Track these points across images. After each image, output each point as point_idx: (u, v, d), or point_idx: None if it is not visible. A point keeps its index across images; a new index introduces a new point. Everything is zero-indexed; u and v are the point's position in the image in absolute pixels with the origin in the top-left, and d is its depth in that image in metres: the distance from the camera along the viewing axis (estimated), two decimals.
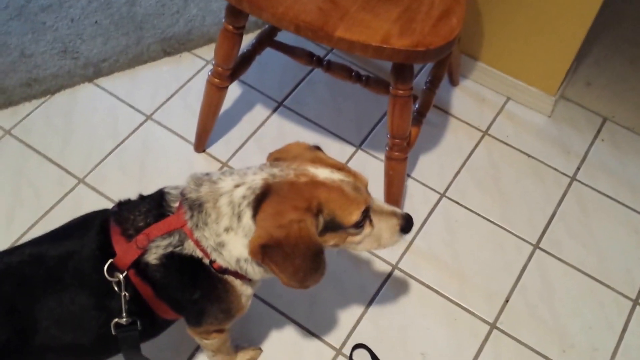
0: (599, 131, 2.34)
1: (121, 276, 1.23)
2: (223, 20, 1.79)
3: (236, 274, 1.30)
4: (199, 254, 1.26)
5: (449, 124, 2.31)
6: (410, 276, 1.97)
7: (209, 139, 2.17)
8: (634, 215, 2.15)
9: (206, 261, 1.26)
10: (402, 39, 1.56)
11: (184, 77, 2.36)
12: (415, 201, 2.13)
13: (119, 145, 2.17)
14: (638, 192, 2.20)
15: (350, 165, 2.13)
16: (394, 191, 1.97)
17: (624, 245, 2.08)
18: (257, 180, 1.23)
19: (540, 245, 2.06)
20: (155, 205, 1.30)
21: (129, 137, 2.20)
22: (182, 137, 2.21)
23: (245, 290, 1.36)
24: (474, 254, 2.03)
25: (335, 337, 1.85)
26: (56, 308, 1.24)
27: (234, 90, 2.32)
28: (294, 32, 1.62)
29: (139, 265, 1.25)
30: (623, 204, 2.17)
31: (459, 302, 1.94)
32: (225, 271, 1.28)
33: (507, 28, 2.19)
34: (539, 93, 2.31)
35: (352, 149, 2.23)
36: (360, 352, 1.83)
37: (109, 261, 1.24)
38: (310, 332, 1.86)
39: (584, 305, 1.96)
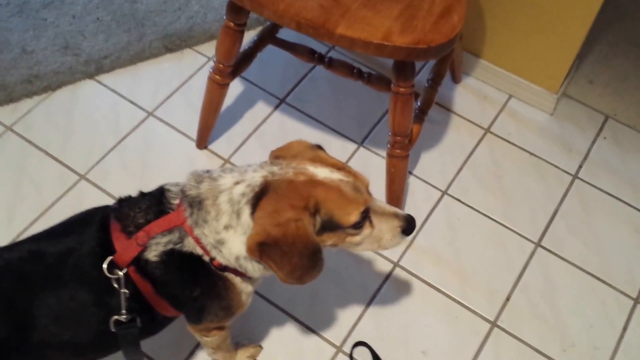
0: (601, 129, 2.33)
1: (121, 273, 1.23)
2: (224, 17, 1.79)
3: (236, 272, 1.30)
4: (199, 251, 1.25)
5: (451, 121, 2.31)
6: (412, 274, 1.97)
7: (210, 135, 2.17)
8: (636, 214, 2.14)
9: (206, 258, 1.26)
10: (403, 37, 1.55)
11: (186, 73, 2.36)
12: (416, 199, 2.12)
13: (120, 141, 2.17)
14: None
15: (352, 162, 2.14)
16: (396, 189, 1.97)
17: (625, 243, 2.08)
18: (256, 177, 1.23)
19: (542, 243, 2.06)
20: (155, 202, 1.30)
21: (131, 133, 2.19)
22: (183, 133, 2.21)
23: (245, 288, 1.36)
24: (476, 251, 2.03)
25: (335, 335, 1.85)
26: (55, 305, 1.23)
27: (236, 87, 2.32)
28: (295, 30, 1.61)
29: (139, 262, 1.25)
30: (625, 202, 2.16)
31: (460, 300, 1.94)
32: (225, 269, 1.28)
33: (509, 25, 2.18)
34: (541, 91, 2.31)
35: (353, 146, 2.22)
36: (360, 349, 1.83)
37: (109, 258, 1.23)
38: (310, 330, 1.86)
39: (585, 303, 1.95)
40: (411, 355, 1.83)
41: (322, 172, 1.23)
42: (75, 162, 2.11)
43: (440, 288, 1.95)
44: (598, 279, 2.00)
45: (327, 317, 1.88)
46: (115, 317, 1.26)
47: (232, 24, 1.79)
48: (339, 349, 1.83)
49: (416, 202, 2.11)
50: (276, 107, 2.30)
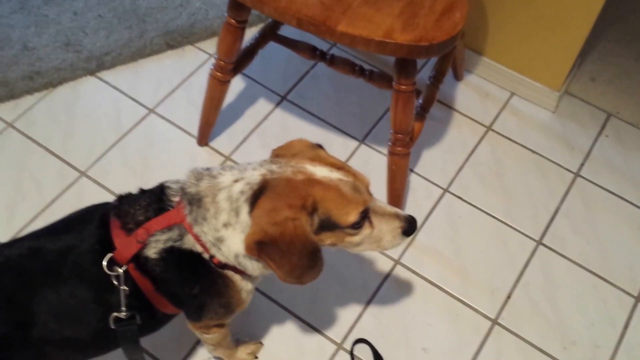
0: (603, 127, 2.33)
1: (120, 270, 1.23)
2: (226, 13, 1.78)
3: (236, 269, 1.29)
4: (198, 248, 1.25)
5: (453, 119, 2.31)
6: (413, 271, 1.97)
7: (211, 132, 2.16)
8: (638, 212, 2.14)
9: (206, 256, 1.26)
10: (404, 34, 1.55)
11: (187, 70, 2.36)
12: (418, 196, 2.12)
13: (121, 138, 2.17)
14: None
15: (353, 159, 2.14)
16: (397, 186, 1.97)
17: (627, 242, 2.07)
18: (255, 176, 1.23)
19: (543, 242, 2.05)
20: (155, 200, 1.29)
21: (132, 130, 2.19)
22: (184, 130, 2.21)
23: (245, 286, 1.35)
24: (477, 249, 2.02)
25: (336, 332, 1.85)
26: (55, 301, 1.23)
27: (237, 84, 2.32)
28: (296, 27, 1.61)
29: (139, 260, 1.25)
30: (627, 201, 2.16)
31: (461, 298, 1.93)
32: (225, 266, 1.28)
33: (511, 23, 2.18)
34: (543, 88, 2.30)
35: (355, 144, 2.22)
36: (361, 347, 1.83)
37: (109, 255, 1.23)
38: (311, 327, 1.85)
39: (586, 302, 1.95)
40: (412, 352, 1.83)
41: (320, 171, 1.23)
42: (76, 158, 2.11)
43: (441, 286, 1.95)
44: (599, 277, 2.00)
45: (328, 314, 1.88)
46: (115, 314, 1.26)
47: (233, 20, 1.79)
48: (339, 346, 1.83)
49: (417, 200, 2.11)
50: (277, 104, 2.30)
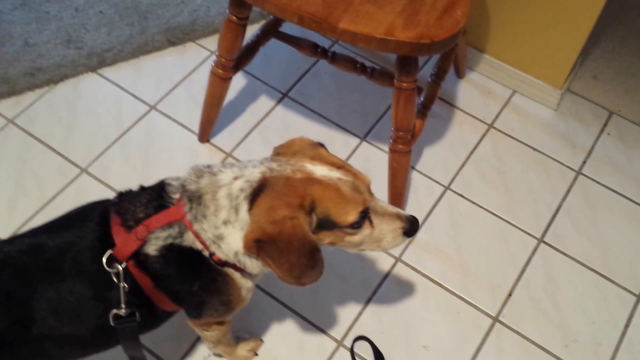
0: (605, 125, 2.32)
1: (120, 267, 1.23)
2: (227, 10, 1.78)
3: (235, 267, 1.29)
4: (198, 246, 1.25)
5: (455, 116, 2.30)
6: (414, 269, 1.97)
7: (212, 129, 2.16)
8: None
9: (206, 253, 1.26)
10: (406, 31, 1.55)
11: (188, 67, 2.35)
12: (419, 194, 2.12)
13: (122, 135, 2.17)
14: None
15: (355, 157, 2.14)
16: (398, 184, 1.96)
17: (628, 240, 2.07)
18: (255, 173, 1.23)
19: (545, 239, 2.05)
20: (155, 197, 1.29)
21: (133, 127, 2.19)
22: (186, 127, 2.20)
23: (245, 283, 1.35)
24: (478, 247, 2.02)
25: (336, 329, 1.85)
26: (54, 298, 1.23)
27: (239, 81, 2.31)
28: (297, 24, 1.61)
29: (139, 257, 1.24)
30: (629, 199, 2.15)
31: (462, 295, 1.93)
32: (225, 264, 1.28)
33: (513, 20, 2.17)
34: (545, 86, 2.30)
35: (356, 141, 2.22)
36: (361, 344, 1.83)
37: (108, 252, 1.23)
38: (311, 324, 1.85)
39: (588, 300, 1.95)
40: (412, 350, 1.83)
41: (320, 170, 1.23)
42: (77, 155, 2.11)
43: (442, 283, 1.95)
44: (601, 275, 2.00)
45: (328, 311, 1.88)
46: (115, 311, 1.26)
47: (234, 17, 1.79)
48: (340, 343, 1.83)
49: (419, 197, 2.11)
50: (279, 101, 2.29)
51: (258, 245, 1.18)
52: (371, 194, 1.30)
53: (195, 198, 1.23)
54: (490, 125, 2.29)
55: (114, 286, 1.24)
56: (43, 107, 2.21)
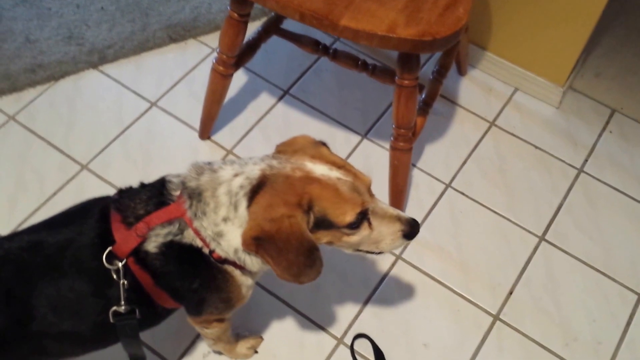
0: (607, 123, 2.32)
1: (120, 264, 1.23)
2: (228, 7, 1.77)
3: (235, 264, 1.29)
4: (198, 243, 1.25)
5: (456, 114, 2.30)
6: (414, 267, 1.96)
7: (213, 126, 2.16)
8: None
9: (206, 251, 1.26)
10: (408, 29, 1.54)
11: (190, 64, 2.35)
12: (420, 191, 2.11)
13: (123, 132, 2.17)
14: None
15: (356, 154, 2.14)
16: (399, 181, 1.96)
17: (630, 238, 2.06)
18: (255, 170, 1.23)
19: (546, 237, 2.05)
20: (156, 193, 1.29)
21: (133, 124, 2.19)
22: (187, 124, 2.20)
23: (245, 281, 1.35)
24: (479, 245, 2.02)
25: (336, 327, 1.85)
26: (54, 295, 1.23)
27: (240, 78, 2.31)
28: (298, 21, 1.60)
29: (139, 254, 1.24)
30: (630, 197, 2.15)
31: (463, 294, 1.93)
32: (225, 261, 1.28)
33: (516, 18, 2.17)
34: (547, 84, 2.29)
35: (357, 138, 2.21)
36: (361, 342, 1.82)
37: (108, 249, 1.23)
38: (311, 321, 1.85)
39: (589, 298, 1.94)
40: (412, 347, 1.83)
41: (319, 169, 1.22)
42: (78, 152, 2.11)
43: (442, 281, 1.95)
44: (602, 273, 1.99)
45: (328, 309, 1.88)
46: (114, 308, 1.25)
47: (236, 14, 1.78)
48: (339, 341, 1.83)
49: (420, 195, 2.10)
50: (280, 98, 2.29)
51: (256, 242, 1.18)
52: (371, 195, 1.29)
53: (195, 195, 1.23)
54: (492, 123, 2.28)
55: (114, 283, 1.24)
56: (44, 104, 2.21)
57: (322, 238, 1.25)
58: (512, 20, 2.18)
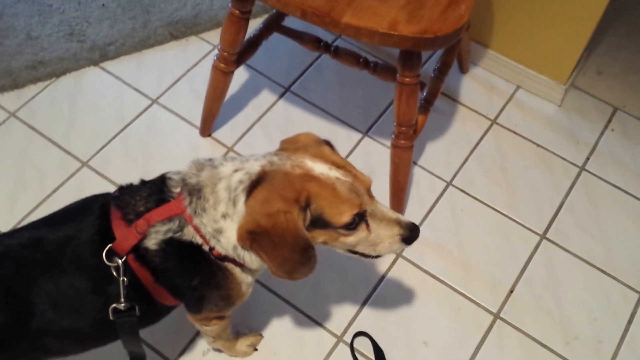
0: (609, 121, 2.31)
1: (120, 261, 1.22)
2: (230, 4, 1.77)
3: (235, 262, 1.29)
4: (198, 240, 1.25)
5: (458, 112, 2.29)
6: (415, 265, 1.96)
7: (214, 123, 2.16)
8: None
9: (206, 248, 1.25)
10: (409, 26, 1.54)
11: (191, 61, 2.35)
12: (421, 189, 2.11)
13: (123, 129, 2.17)
14: None
15: (357, 152, 2.13)
16: (400, 179, 1.96)
17: (631, 237, 2.06)
18: (255, 166, 1.22)
19: (547, 236, 2.04)
20: (156, 190, 1.29)
21: (134, 121, 2.19)
22: (187, 121, 2.20)
23: (245, 278, 1.35)
24: (480, 243, 2.01)
25: (336, 325, 1.85)
26: (54, 292, 1.23)
27: (241, 75, 2.31)
28: (300, 18, 1.60)
29: (139, 251, 1.24)
30: (632, 195, 2.14)
31: (463, 292, 1.92)
32: (225, 258, 1.27)
33: (518, 15, 2.16)
34: (549, 82, 2.28)
35: (358, 136, 2.21)
36: (361, 339, 1.82)
37: (108, 246, 1.23)
38: (311, 319, 1.85)
39: (590, 297, 1.94)
40: (412, 346, 1.83)
41: (319, 168, 1.22)
42: (78, 149, 2.11)
43: (443, 279, 1.94)
44: (603, 272, 1.99)
45: (328, 306, 1.87)
46: (114, 305, 1.25)
47: (237, 11, 1.78)
48: (339, 339, 1.82)
49: (421, 193, 2.10)
50: (281, 95, 2.28)
51: (251, 237, 1.17)
52: (371, 197, 1.28)
53: (195, 192, 1.23)
54: (494, 121, 2.28)
55: (114, 280, 1.24)
56: (45, 101, 2.21)
57: (318, 237, 1.24)
58: (514, 18, 2.18)
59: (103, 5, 2.41)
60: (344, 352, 1.80)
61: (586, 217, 2.09)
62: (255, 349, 1.78)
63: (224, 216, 1.21)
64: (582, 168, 2.19)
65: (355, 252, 1.34)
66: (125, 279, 1.24)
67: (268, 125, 2.21)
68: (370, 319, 1.86)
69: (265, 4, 1.64)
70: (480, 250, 2.00)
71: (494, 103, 2.32)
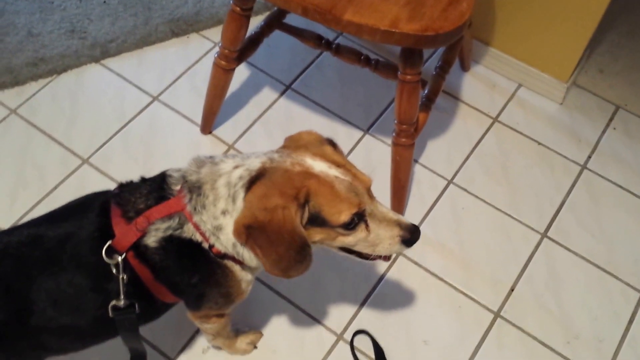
0: (610, 119, 2.31)
1: (119, 258, 1.22)
2: (231, 1, 1.77)
3: (235, 259, 1.29)
4: (198, 237, 1.25)
5: (459, 110, 2.29)
6: (415, 263, 1.96)
7: (215, 121, 2.15)
8: None
9: (205, 245, 1.25)
10: (411, 23, 1.53)
11: (192, 58, 2.35)
12: (422, 187, 2.11)
13: (124, 126, 2.16)
14: None
15: (358, 150, 2.13)
16: (401, 177, 1.95)
17: (633, 235, 2.06)
18: (256, 163, 1.22)
19: (548, 234, 2.04)
20: (156, 188, 1.29)
21: (135, 118, 2.18)
22: (188, 118, 2.20)
23: (245, 276, 1.35)
24: (480, 241, 2.01)
25: (336, 323, 1.84)
26: (53, 289, 1.23)
27: (242, 72, 2.30)
28: (301, 15, 1.60)
29: (138, 248, 1.24)
30: (634, 194, 2.14)
31: (464, 290, 1.92)
32: (225, 256, 1.27)
33: (519, 13, 2.16)
34: (551, 80, 2.28)
35: (359, 134, 2.21)
36: (361, 338, 1.82)
37: (108, 243, 1.23)
38: (311, 317, 1.85)
39: (591, 295, 1.94)
40: (412, 344, 1.82)
41: (319, 166, 1.21)
42: (79, 146, 2.11)
43: (443, 278, 1.94)
44: (604, 270, 1.98)
45: (328, 304, 1.87)
46: (114, 302, 1.25)
47: (238, 8, 1.78)
48: (339, 337, 1.82)
49: (421, 191, 2.10)
50: (282, 93, 2.28)
51: (247, 231, 1.17)
52: (371, 197, 1.27)
53: (195, 189, 1.23)
54: (495, 119, 2.27)
55: (114, 277, 1.24)
56: (46, 98, 2.21)
57: (315, 235, 1.24)
58: (516, 16, 2.17)
59: (104, 2, 2.41)
60: (344, 350, 1.80)
61: (587, 216, 2.08)
62: (255, 347, 1.78)
63: (224, 213, 1.21)
64: (584, 166, 2.19)
65: (352, 252, 1.33)
66: (125, 276, 1.23)
67: (269, 123, 2.21)
68: (371, 317, 1.86)
69: (266, 1, 1.64)
70: (481, 249, 2.00)
71: (496, 101, 2.32)
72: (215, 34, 2.40)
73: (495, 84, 2.36)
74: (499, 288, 1.93)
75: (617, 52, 2.46)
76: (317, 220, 1.21)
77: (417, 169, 2.14)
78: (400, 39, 1.55)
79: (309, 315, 1.85)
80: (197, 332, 1.78)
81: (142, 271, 1.26)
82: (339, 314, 1.86)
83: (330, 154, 1.27)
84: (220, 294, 1.36)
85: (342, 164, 1.25)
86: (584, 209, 2.10)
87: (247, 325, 1.80)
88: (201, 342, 1.78)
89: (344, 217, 1.20)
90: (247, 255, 1.26)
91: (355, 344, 1.81)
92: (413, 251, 1.97)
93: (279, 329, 1.82)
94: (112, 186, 1.35)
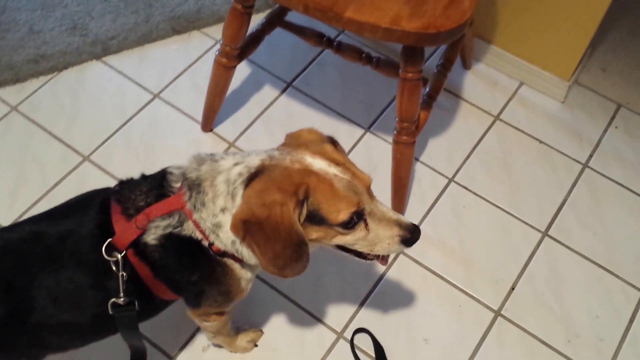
0: (612, 118, 2.30)
1: (119, 256, 1.22)
2: None
3: (234, 257, 1.28)
4: (198, 235, 1.24)
5: (460, 108, 2.28)
6: (416, 261, 1.96)
7: (216, 118, 2.15)
8: None
9: (205, 243, 1.25)
10: (412, 21, 1.53)
11: (193, 56, 2.34)
12: (423, 186, 2.10)
13: (125, 123, 2.16)
14: None
15: (359, 148, 2.13)
16: (402, 175, 1.95)
17: (634, 234, 2.05)
18: (256, 160, 1.22)
19: (549, 233, 2.04)
20: (156, 185, 1.29)
21: (136, 115, 2.18)
22: (189, 116, 2.19)
23: (244, 274, 1.35)
24: (481, 240, 2.01)
25: (337, 321, 1.84)
26: (53, 286, 1.23)
27: (243, 70, 2.30)
28: (302, 13, 1.59)
29: (138, 245, 1.24)
30: (635, 193, 2.14)
31: (464, 289, 1.92)
32: (224, 254, 1.27)
33: (521, 11, 2.15)
34: (553, 78, 2.28)
35: (360, 132, 2.20)
36: (361, 336, 1.82)
37: (108, 240, 1.22)
38: (312, 315, 1.85)
39: (592, 294, 1.93)
40: (413, 342, 1.82)
41: (318, 164, 1.21)
42: (80, 143, 2.11)
43: (444, 276, 1.94)
44: (605, 269, 1.98)
45: (328, 303, 1.87)
46: (113, 299, 1.25)
47: (239, 6, 1.78)
48: (340, 335, 1.82)
49: (422, 189, 2.09)
50: (283, 90, 2.28)
51: (244, 227, 1.16)
52: (371, 196, 1.27)
53: (195, 186, 1.23)
54: (496, 117, 2.27)
55: (113, 275, 1.23)
56: (47, 95, 2.21)
57: (312, 233, 1.23)
58: (518, 14, 2.17)
59: None
60: (344, 348, 1.80)
61: (589, 215, 2.08)
62: (256, 345, 1.78)
63: (223, 210, 1.21)
64: (585, 165, 2.18)
65: (349, 251, 1.33)
66: (125, 274, 1.23)
67: (270, 120, 2.20)
68: (371, 316, 1.86)
69: None
70: (482, 247, 2.00)
71: (497, 99, 2.31)
72: (217, 31, 2.40)
73: (497, 82, 2.35)
74: (499, 286, 1.93)
75: (619, 51, 2.45)
76: (315, 218, 1.20)
77: (418, 167, 2.14)
78: (401, 36, 1.54)
79: (309, 314, 1.85)
80: (198, 330, 1.78)
81: (141, 269, 1.26)
82: (339, 312, 1.86)
83: (330, 152, 1.26)
84: (219, 292, 1.36)
85: (342, 162, 1.25)
86: (585, 208, 2.09)
87: (247, 323, 1.80)
88: (201, 340, 1.78)
89: (343, 215, 1.20)
90: (246, 253, 1.26)
91: (355, 342, 1.81)
92: (413, 249, 1.96)
93: (279, 327, 1.82)
94: (112, 183, 1.35)
